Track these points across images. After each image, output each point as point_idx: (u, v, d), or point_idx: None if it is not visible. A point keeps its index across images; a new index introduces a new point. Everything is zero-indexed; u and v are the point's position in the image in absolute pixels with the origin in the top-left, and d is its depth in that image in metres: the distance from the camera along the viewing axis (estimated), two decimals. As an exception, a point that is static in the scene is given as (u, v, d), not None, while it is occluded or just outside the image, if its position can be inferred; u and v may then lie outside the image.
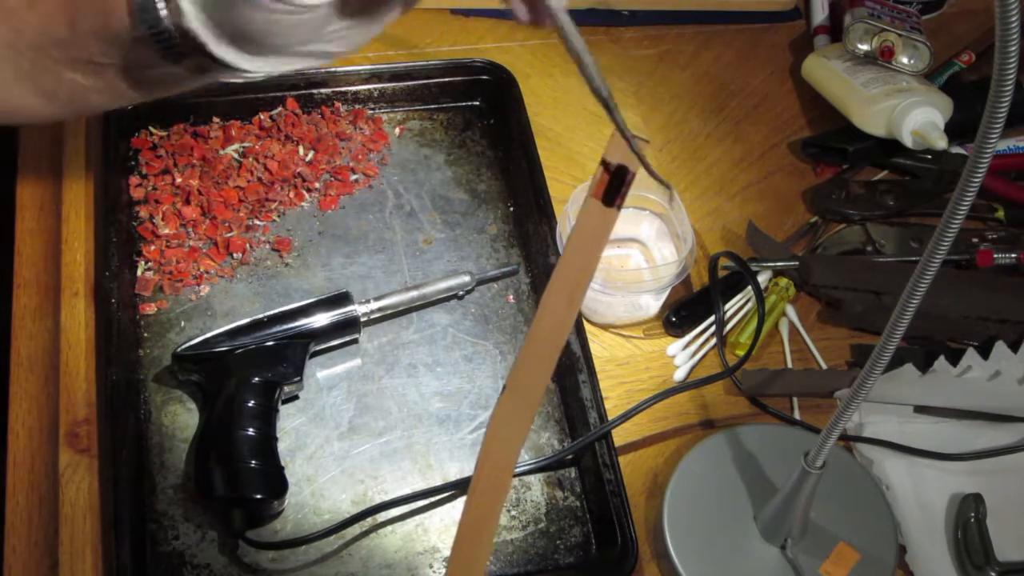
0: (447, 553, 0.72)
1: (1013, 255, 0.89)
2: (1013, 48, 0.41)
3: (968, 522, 0.75)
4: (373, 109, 0.94)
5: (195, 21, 0.51)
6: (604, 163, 0.41)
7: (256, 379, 0.73)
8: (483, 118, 0.96)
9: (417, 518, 0.74)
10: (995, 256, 0.88)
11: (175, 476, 0.73)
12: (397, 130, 0.94)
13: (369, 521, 0.73)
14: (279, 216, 0.87)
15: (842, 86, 0.96)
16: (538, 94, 0.99)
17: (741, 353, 0.82)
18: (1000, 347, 0.79)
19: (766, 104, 1.03)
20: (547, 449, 0.78)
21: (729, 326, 0.86)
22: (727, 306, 0.86)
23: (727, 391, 0.83)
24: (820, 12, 1.07)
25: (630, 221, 0.88)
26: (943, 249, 0.48)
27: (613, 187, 0.42)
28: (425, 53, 1.01)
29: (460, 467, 0.76)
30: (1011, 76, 0.42)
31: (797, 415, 0.82)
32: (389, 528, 0.73)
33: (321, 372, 0.79)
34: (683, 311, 0.85)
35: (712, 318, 0.84)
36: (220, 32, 0.52)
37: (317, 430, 0.77)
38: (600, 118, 0.99)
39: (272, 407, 0.73)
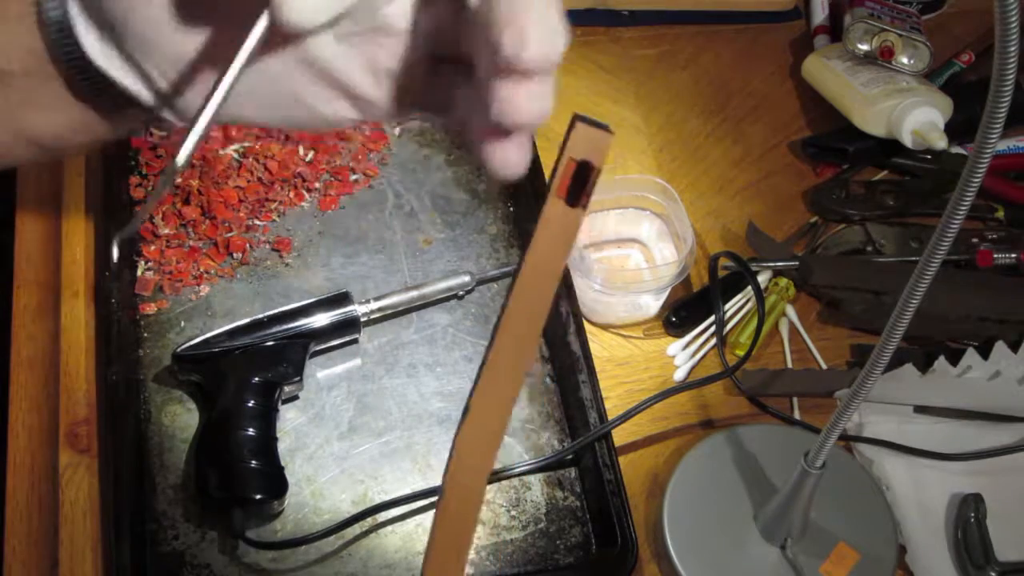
0: (447, 553, 0.72)
1: (1013, 255, 0.89)
2: (1013, 48, 0.41)
3: (968, 522, 0.74)
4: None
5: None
6: (567, 158, 0.37)
7: (256, 379, 0.73)
8: (483, 118, 0.96)
9: (417, 518, 0.74)
10: (995, 256, 0.88)
11: (175, 476, 0.73)
12: (397, 130, 0.94)
13: (369, 521, 0.73)
14: (279, 216, 0.87)
15: (842, 86, 0.96)
16: (538, 94, 0.99)
17: (741, 353, 0.82)
18: (1000, 347, 0.79)
19: (766, 104, 1.02)
20: (547, 449, 0.78)
21: (729, 326, 0.85)
22: (727, 306, 0.86)
23: (727, 391, 0.83)
24: (820, 12, 1.07)
25: (630, 221, 0.88)
26: (943, 249, 0.48)
27: (577, 184, 0.37)
28: (425, 53, 1.01)
29: (460, 467, 0.76)
30: (1011, 76, 0.42)
31: (797, 415, 0.82)
32: (389, 528, 0.73)
33: (321, 372, 0.79)
34: (683, 311, 0.85)
35: (712, 318, 0.84)
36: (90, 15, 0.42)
37: (317, 430, 0.77)
38: (600, 118, 0.98)
39: (272, 407, 0.73)
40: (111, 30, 0.41)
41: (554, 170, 0.37)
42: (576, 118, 0.37)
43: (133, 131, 0.46)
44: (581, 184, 0.37)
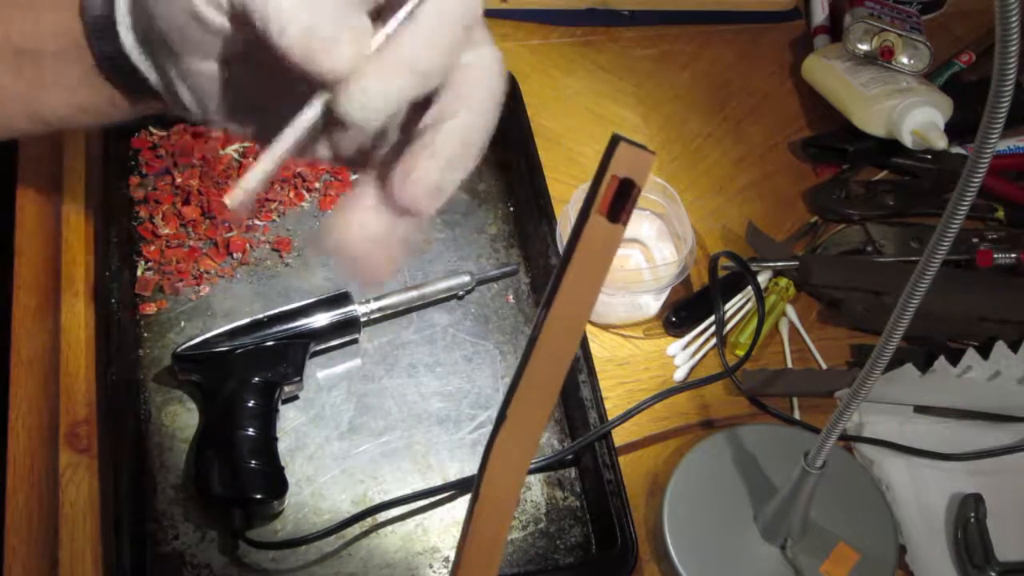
0: (447, 553, 0.72)
1: (1013, 255, 0.89)
2: (1013, 48, 0.41)
3: (968, 522, 0.74)
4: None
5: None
6: (610, 175, 0.38)
7: (256, 379, 0.73)
8: (483, 118, 0.96)
9: (417, 518, 0.74)
10: (995, 256, 0.88)
11: (175, 476, 0.73)
12: (397, 130, 0.94)
13: (369, 521, 0.73)
14: (279, 216, 0.87)
15: (842, 86, 0.96)
16: (538, 94, 0.99)
17: (741, 353, 0.82)
18: (1000, 347, 0.79)
19: (766, 104, 1.02)
20: (547, 449, 0.78)
21: (729, 326, 0.85)
22: (727, 306, 0.86)
23: (727, 391, 0.83)
24: (820, 12, 1.07)
25: (630, 221, 0.88)
26: (943, 249, 0.48)
27: (618, 202, 0.39)
28: (425, 53, 1.00)
29: (460, 467, 0.76)
30: (1011, 76, 0.42)
31: (797, 415, 0.82)
32: (389, 528, 0.73)
33: (321, 372, 0.79)
34: (683, 311, 0.85)
35: (712, 318, 0.84)
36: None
37: (317, 430, 0.77)
38: (600, 118, 0.99)
39: (272, 407, 0.73)
40: (151, 35, 0.44)
41: (594, 187, 0.38)
42: (617, 138, 0.38)
43: (142, 115, 0.50)
44: (622, 201, 0.39)
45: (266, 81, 0.43)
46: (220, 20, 0.41)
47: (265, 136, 0.45)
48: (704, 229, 0.92)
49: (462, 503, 0.74)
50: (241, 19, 0.40)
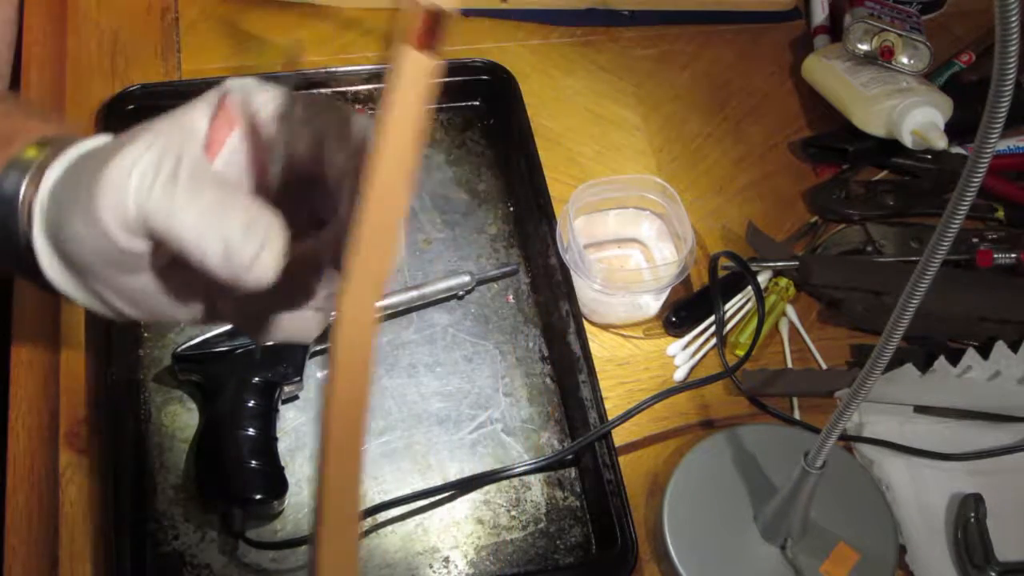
0: (447, 553, 0.72)
1: (1013, 255, 0.89)
2: (1013, 48, 0.41)
3: (968, 522, 0.75)
4: (373, 109, 0.94)
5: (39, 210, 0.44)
6: (419, 8, 0.38)
7: (256, 379, 0.73)
8: (483, 118, 0.96)
9: (417, 518, 0.74)
10: (995, 256, 0.88)
11: (175, 476, 0.73)
12: (397, 130, 0.94)
13: (369, 521, 0.73)
14: (279, 216, 0.87)
15: (842, 86, 0.96)
16: (538, 94, 0.99)
17: (741, 353, 0.82)
18: (1000, 347, 0.79)
19: (766, 104, 1.02)
20: (547, 449, 0.78)
21: (729, 326, 0.85)
22: (727, 306, 0.86)
23: (727, 391, 0.83)
24: (820, 12, 1.07)
25: (630, 221, 0.88)
26: (943, 249, 0.48)
27: (429, 32, 0.38)
28: (425, 53, 1.01)
29: (460, 467, 0.76)
30: (1011, 76, 0.42)
31: (797, 415, 0.82)
32: (389, 528, 0.73)
33: (321, 372, 0.79)
34: (683, 311, 0.85)
35: (712, 318, 0.84)
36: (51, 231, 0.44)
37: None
38: (600, 117, 0.99)
39: (272, 407, 0.73)
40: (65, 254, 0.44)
41: (404, 23, 0.38)
42: None
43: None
44: (433, 30, 0.38)
45: (184, 281, 0.45)
46: (141, 245, 0.42)
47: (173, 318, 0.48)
48: (704, 229, 0.92)
49: (462, 503, 0.75)
50: (162, 244, 0.41)
